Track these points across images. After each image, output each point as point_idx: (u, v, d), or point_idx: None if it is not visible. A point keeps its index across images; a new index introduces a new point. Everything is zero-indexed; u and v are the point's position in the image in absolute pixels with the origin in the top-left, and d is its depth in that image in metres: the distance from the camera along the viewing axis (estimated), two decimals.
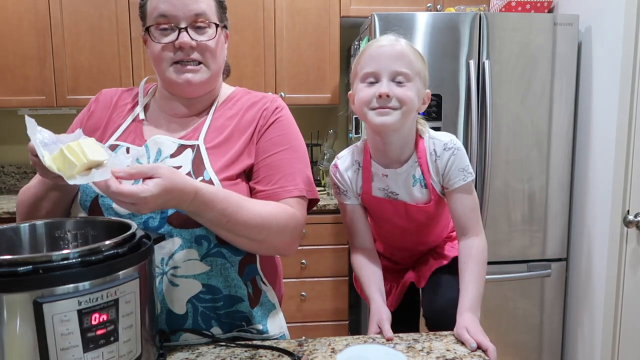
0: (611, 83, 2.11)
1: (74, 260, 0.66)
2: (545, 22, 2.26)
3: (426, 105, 1.15)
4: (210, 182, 0.95)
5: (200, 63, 1.01)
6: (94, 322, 0.67)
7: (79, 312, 0.65)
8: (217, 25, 1.01)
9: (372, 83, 1.07)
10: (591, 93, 2.27)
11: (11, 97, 2.65)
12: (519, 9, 2.42)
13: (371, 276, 1.18)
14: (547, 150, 2.34)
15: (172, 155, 0.99)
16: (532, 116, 2.31)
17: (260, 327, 1.03)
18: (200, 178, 0.95)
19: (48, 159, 0.78)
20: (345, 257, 2.64)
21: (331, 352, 0.92)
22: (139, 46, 2.67)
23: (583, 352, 2.35)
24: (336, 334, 2.60)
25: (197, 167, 0.97)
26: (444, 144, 1.13)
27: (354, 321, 2.80)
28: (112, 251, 0.70)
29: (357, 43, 2.64)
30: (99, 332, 0.67)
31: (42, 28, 2.61)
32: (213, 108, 1.07)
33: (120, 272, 0.70)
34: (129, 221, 0.83)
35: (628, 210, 2.06)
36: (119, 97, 1.12)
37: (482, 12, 2.26)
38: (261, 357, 0.91)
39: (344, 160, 1.21)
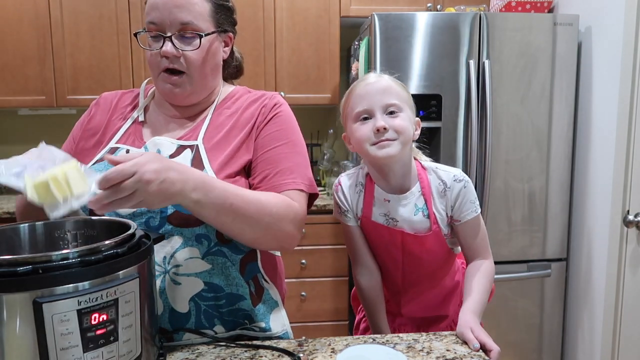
0: (611, 83, 2.11)
1: (73, 260, 0.66)
2: (545, 22, 2.26)
3: (419, 132, 1.16)
4: None
5: (184, 73, 1.00)
6: (93, 322, 0.67)
7: (79, 311, 0.65)
8: (201, 36, 0.99)
9: (366, 119, 1.09)
10: (591, 93, 2.27)
11: (11, 97, 2.65)
12: (519, 9, 2.42)
13: (374, 302, 1.21)
14: (547, 150, 2.33)
15: (172, 156, 0.99)
16: (532, 116, 2.31)
17: (263, 324, 1.03)
18: None
19: (30, 190, 0.73)
20: (345, 257, 2.64)
21: (331, 352, 0.92)
22: (138, 46, 2.67)
23: (583, 352, 2.35)
24: (336, 334, 2.60)
25: (197, 167, 0.97)
26: (454, 176, 1.14)
27: (354, 321, 2.80)
28: (112, 251, 0.70)
29: (357, 43, 2.64)
30: (99, 331, 0.67)
31: (42, 28, 2.61)
32: (212, 107, 1.07)
33: (120, 272, 0.70)
34: (128, 221, 0.83)
35: (628, 210, 2.06)
36: (118, 99, 1.12)
37: (482, 12, 2.26)
38: (261, 357, 0.91)
39: (348, 179, 1.22)
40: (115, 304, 0.69)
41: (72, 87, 2.67)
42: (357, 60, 2.55)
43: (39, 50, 2.63)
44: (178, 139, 1.02)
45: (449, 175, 1.14)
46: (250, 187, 1.02)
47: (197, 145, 1.00)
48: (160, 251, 0.94)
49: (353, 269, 1.25)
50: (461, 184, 1.13)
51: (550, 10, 2.49)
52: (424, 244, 1.16)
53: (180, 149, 1.00)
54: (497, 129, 2.29)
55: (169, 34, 0.98)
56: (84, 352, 0.66)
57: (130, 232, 0.76)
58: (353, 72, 2.70)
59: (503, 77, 2.28)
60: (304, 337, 1.05)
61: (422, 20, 2.22)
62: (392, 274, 1.24)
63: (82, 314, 0.65)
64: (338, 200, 1.21)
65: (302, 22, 2.74)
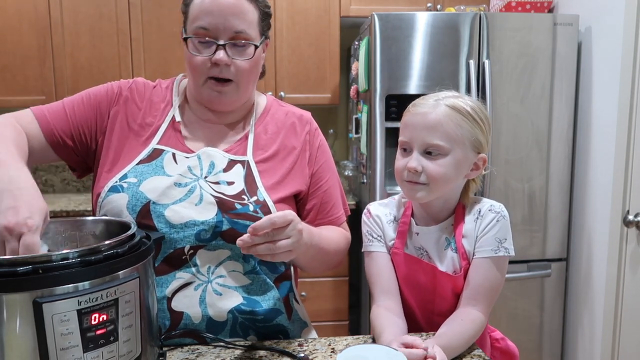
0: (611, 83, 2.11)
1: (73, 260, 0.66)
2: (545, 22, 2.26)
3: (479, 172, 1.01)
4: (264, 202, 0.97)
5: (232, 81, 0.99)
6: (93, 322, 0.66)
7: (79, 311, 0.65)
8: (256, 46, 0.99)
9: (406, 150, 0.99)
10: (591, 93, 2.27)
11: (11, 97, 2.65)
12: (519, 9, 2.42)
13: (389, 325, 0.95)
14: (547, 150, 2.34)
15: (225, 170, 0.99)
16: (532, 116, 2.31)
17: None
18: (255, 198, 0.96)
19: None
20: (346, 258, 2.64)
21: (331, 352, 0.92)
22: (139, 46, 2.67)
23: (583, 352, 2.35)
24: (336, 334, 2.60)
25: (250, 186, 0.98)
26: (490, 205, 1.01)
27: (354, 321, 2.80)
28: (112, 251, 0.70)
29: (357, 43, 2.64)
30: (99, 332, 0.67)
31: (42, 28, 2.61)
32: (252, 121, 1.08)
33: (120, 272, 0.70)
34: (129, 222, 0.83)
35: (628, 210, 2.06)
36: (151, 93, 1.08)
37: (482, 12, 2.26)
38: (261, 357, 0.90)
39: (380, 206, 1.09)
40: (115, 304, 0.69)
41: (72, 87, 2.67)
42: (357, 60, 2.55)
43: (39, 50, 2.63)
44: (225, 152, 1.02)
45: (486, 204, 1.01)
46: (301, 210, 1.09)
47: (247, 161, 1.01)
48: (206, 260, 0.95)
49: (375, 300, 1.04)
50: (494, 215, 0.99)
51: (550, 10, 2.49)
52: (456, 285, 1.00)
53: (232, 164, 1.00)
54: (497, 129, 2.29)
55: (221, 42, 0.96)
56: (84, 352, 0.66)
57: (130, 232, 0.76)
58: (353, 72, 2.70)
59: (503, 77, 2.28)
60: (304, 337, 1.05)
61: (422, 20, 2.22)
62: (416, 319, 1.07)
63: (82, 314, 0.65)
64: (371, 226, 1.07)
65: (302, 22, 2.74)
